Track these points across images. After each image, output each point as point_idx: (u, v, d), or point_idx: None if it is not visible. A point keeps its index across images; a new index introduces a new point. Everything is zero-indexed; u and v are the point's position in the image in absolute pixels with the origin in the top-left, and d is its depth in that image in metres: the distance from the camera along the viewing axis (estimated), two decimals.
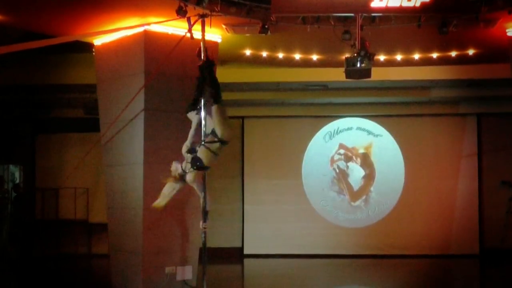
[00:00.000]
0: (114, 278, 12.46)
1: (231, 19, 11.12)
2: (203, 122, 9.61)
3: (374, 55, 10.75)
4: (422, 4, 10.27)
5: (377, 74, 12.10)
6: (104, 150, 12.60)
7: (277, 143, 18.46)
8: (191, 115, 9.71)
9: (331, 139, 18.50)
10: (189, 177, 9.60)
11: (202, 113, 9.61)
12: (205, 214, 9.70)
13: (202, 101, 9.61)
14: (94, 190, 17.88)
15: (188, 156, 9.56)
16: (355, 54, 10.60)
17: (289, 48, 13.59)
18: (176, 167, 9.69)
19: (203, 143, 9.53)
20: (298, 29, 11.44)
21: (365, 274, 15.46)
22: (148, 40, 11.58)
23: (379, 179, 18.28)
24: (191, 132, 9.68)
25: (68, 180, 16.82)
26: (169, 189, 9.71)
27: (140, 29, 11.51)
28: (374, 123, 18.39)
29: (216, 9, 10.53)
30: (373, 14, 10.87)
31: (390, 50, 13.71)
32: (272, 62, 14.40)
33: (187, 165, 9.58)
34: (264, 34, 11.24)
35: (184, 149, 9.65)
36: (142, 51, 11.60)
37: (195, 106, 9.65)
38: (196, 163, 9.45)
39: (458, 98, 17.46)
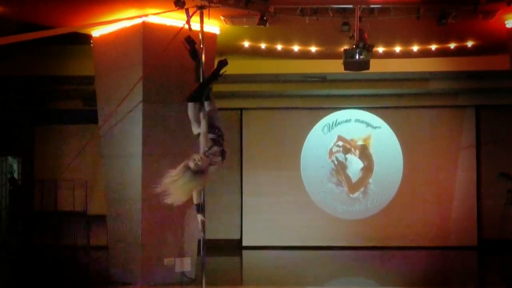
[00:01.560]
0: (113, 269, 12.48)
1: (229, 11, 11.10)
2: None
3: (372, 46, 10.76)
4: None
5: (376, 66, 12.10)
6: (102, 141, 12.60)
7: (276, 135, 18.46)
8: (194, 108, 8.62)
9: (329, 131, 18.49)
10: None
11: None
12: (198, 207, 9.37)
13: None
14: (93, 181, 17.86)
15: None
16: (354, 46, 10.61)
17: (287, 40, 13.57)
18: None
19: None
20: (296, 20, 11.43)
21: (363, 266, 15.48)
22: (146, 32, 11.56)
23: (377, 171, 18.30)
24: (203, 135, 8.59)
25: (66, 172, 16.79)
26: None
27: (138, 21, 11.50)
28: (372, 115, 18.39)
29: (215, 1, 10.51)
30: (371, 6, 10.86)
31: (388, 42, 13.70)
32: (270, 54, 14.38)
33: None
34: (262, 26, 11.24)
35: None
36: (140, 42, 11.59)
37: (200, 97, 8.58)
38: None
39: (456, 90, 17.45)
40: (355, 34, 10.65)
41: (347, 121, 18.50)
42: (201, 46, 9.72)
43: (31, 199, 18.02)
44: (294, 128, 18.45)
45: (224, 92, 16.20)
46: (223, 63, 8.73)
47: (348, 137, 18.48)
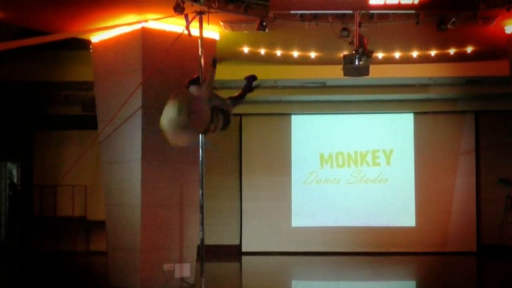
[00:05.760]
0: (112, 275, 12.45)
1: (228, 16, 11.12)
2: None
3: (372, 52, 10.74)
4: (421, 1, 10.26)
5: (375, 72, 12.10)
6: (101, 147, 12.59)
7: (275, 140, 18.44)
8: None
9: None
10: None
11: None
12: None
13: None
14: (92, 187, 17.86)
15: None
16: (353, 52, 10.59)
17: (287, 46, 13.58)
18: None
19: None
20: (296, 26, 11.45)
21: (363, 272, 15.43)
22: (145, 37, 11.56)
23: None
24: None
25: (66, 177, 16.80)
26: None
27: (138, 26, 11.50)
28: (372, 121, 18.39)
29: (214, 6, 10.53)
30: (371, 11, 10.86)
31: (388, 48, 13.71)
32: (270, 60, 14.40)
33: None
34: (262, 31, 11.24)
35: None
36: (140, 48, 11.59)
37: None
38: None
39: (456, 96, 17.47)
40: (355, 40, 10.65)
41: None
42: (200, 51, 9.75)
43: (30, 205, 18.00)
44: (293, 134, 18.44)
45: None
46: (251, 79, 9.81)
47: None
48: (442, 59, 14.50)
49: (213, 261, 15.00)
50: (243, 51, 13.65)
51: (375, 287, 13.80)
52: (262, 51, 13.77)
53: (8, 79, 15.47)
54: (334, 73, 13.19)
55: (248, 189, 18.36)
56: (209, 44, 11.53)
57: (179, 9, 10.20)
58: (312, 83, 16.30)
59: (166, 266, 11.86)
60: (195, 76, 9.60)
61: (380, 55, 13.96)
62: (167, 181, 11.87)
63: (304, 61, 14.45)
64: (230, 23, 11.54)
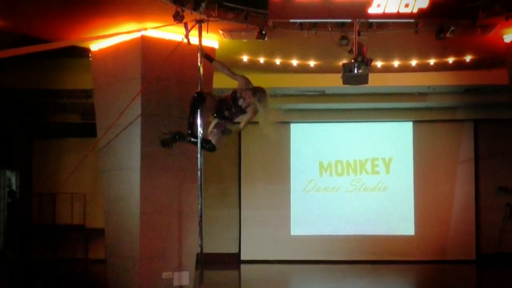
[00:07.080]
0: (111, 283, 12.43)
1: (228, 25, 11.14)
2: None
3: (371, 61, 10.75)
4: (420, 10, 10.28)
5: (374, 80, 12.10)
6: (101, 155, 12.58)
7: (274, 148, 18.44)
8: None
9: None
10: None
11: None
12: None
13: None
14: (91, 195, 17.83)
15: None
16: (352, 60, 10.59)
17: (286, 54, 13.59)
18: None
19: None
20: (295, 34, 11.46)
21: (362, 280, 15.43)
22: (145, 46, 11.58)
23: None
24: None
25: (65, 185, 16.78)
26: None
27: (137, 35, 11.51)
28: (371, 129, 18.39)
29: (213, 15, 10.55)
30: (370, 20, 10.88)
31: (387, 56, 13.73)
32: (269, 68, 14.40)
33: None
34: (261, 40, 11.25)
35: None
36: (139, 56, 11.59)
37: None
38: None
39: (455, 104, 17.46)
40: (354, 48, 10.66)
41: None
42: (200, 60, 9.74)
43: (30, 212, 17.98)
44: (292, 142, 18.44)
45: None
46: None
47: None
48: (441, 67, 14.52)
49: (212, 269, 14.96)
50: (242, 59, 13.66)
51: None
52: (261, 59, 13.79)
53: (8, 86, 15.48)
54: (333, 82, 13.16)
55: (247, 197, 18.35)
56: (208, 53, 11.54)
57: (178, 18, 10.22)
58: (311, 91, 16.31)
59: (165, 274, 11.84)
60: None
61: (379, 63, 13.97)
62: (166, 188, 11.87)
63: (303, 69, 14.46)
64: (229, 32, 11.56)
